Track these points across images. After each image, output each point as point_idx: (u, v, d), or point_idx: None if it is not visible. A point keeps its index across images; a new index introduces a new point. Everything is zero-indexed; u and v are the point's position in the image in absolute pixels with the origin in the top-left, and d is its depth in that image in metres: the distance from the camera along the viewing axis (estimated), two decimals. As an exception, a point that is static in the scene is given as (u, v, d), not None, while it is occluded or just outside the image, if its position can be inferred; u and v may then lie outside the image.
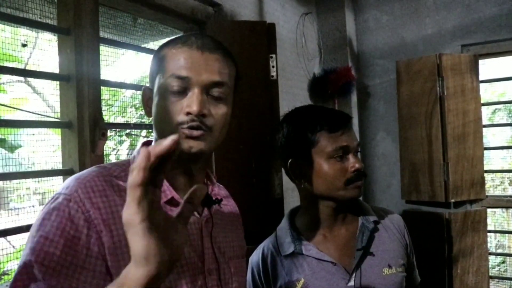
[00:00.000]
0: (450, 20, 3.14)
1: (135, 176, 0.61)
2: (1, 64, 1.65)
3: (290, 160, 1.35)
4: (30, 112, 2.10)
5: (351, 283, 1.29)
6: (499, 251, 5.22)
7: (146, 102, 0.96)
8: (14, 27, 1.64)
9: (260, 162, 2.22)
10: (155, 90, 0.92)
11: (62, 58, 1.66)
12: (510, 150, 6.28)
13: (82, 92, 1.63)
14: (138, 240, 0.61)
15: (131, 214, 0.62)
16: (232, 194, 1.18)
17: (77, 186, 0.83)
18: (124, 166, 0.93)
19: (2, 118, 1.74)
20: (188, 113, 0.87)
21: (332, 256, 1.33)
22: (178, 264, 0.87)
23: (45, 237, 0.78)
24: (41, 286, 0.75)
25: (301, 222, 1.42)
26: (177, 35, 1.00)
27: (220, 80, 0.91)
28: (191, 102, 0.87)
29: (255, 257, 1.44)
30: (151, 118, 0.97)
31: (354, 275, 1.30)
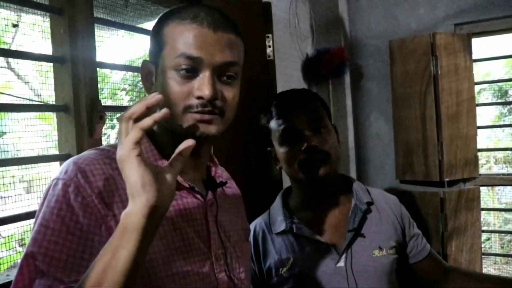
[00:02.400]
0: (443, -2, 3.11)
1: (136, 113, 0.69)
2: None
3: (268, 149, 1.44)
4: (16, 97, 2.04)
5: (341, 263, 1.30)
6: (485, 228, 5.32)
7: (146, 77, 0.92)
8: (3, 7, 1.56)
9: (258, 144, 2.19)
10: (159, 66, 0.87)
11: (55, 39, 1.60)
12: (495, 129, 6.36)
13: (77, 74, 1.57)
14: (134, 170, 0.68)
15: (127, 150, 0.68)
16: (232, 176, 1.17)
17: (76, 170, 0.80)
18: None
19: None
20: (199, 97, 0.83)
21: (323, 236, 1.34)
22: (183, 249, 0.86)
23: (45, 226, 0.76)
24: (47, 282, 0.73)
25: (293, 202, 1.45)
26: (180, 6, 0.92)
27: (233, 61, 0.88)
28: (202, 86, 0.83)
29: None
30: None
31: (344, 256, 1.31)
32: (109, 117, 3.50)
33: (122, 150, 0.70)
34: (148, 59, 0.93)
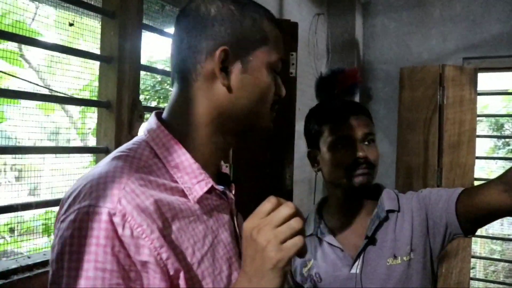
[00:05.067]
0: (454, 32, 3.29)
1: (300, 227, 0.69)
2: (42, 39, 1.70)
3: (308, 150, 1.47)
4: (28, 82, 2.10)
5: (354, 270, 1.34)
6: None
7: (223, 62, 0.79)
8: (60, 6, 1.69)
9: (274, 154, 2.32)
10: (251, 60, 0.81)
11: (104, 39, 1.72)
12: (488, 160, 6.56)
13: (123, 74, 1.69)
14: (277, 281, 0.69)
15: (284, 262, 0.68)
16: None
17: (118, 195, 0.68)
18: (146, 151, 0.79)
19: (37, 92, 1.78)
20: (279, 96, 0.87)
21: (342, 242, 1.38)
22: (228, 266, 0.83)
23: (102, 269, 0.65)
24: None
25: (326, 208, 1.50)
26: (261, 6, 0.89)
27: None
28: (281, 87, 0.87)
29: None
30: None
31: (357, 263, 1.34)
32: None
33: (279, 253, 0.68)
34: (224, 44, 0.80)
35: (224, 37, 0.80)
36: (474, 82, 3.20)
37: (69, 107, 2.87)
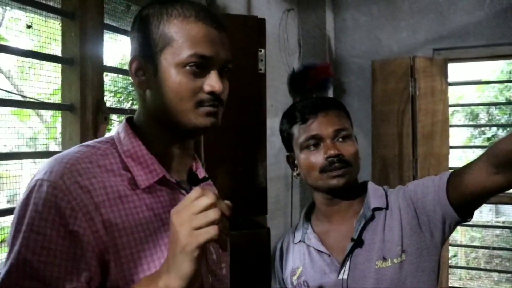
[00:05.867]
0: (423, 25, 3.32)
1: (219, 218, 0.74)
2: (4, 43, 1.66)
3: (286, 154, 1.42)
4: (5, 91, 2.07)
5: (341, 276, 1.26)
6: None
7: (136, 73, 0.90)
8: (18, 8, 1.65)
9: (246, 152, 2.31)
10: (161, 64, 0.87)
11: (65, 41, 1.69)
12: (466, 150, 6.65)
13: (85, 76, 1.67)
14: (193, 261, 0.73)
15: (198, 242, 0.73)
16: (219, 181, 1.21)
17: (62, 171, 0.79)
18: (108, 144, 0.91)
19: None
20: (211, 92, 0.87)
21: (330, 247, 1.31)
22: (166, 239, 0.89)
23: (37, 232, 0.75)
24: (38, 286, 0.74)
25: (313, 213, 1.44)
26: (166, 1, 0.91)
27: (231, 58, 0.92)
28: (214, 82, 0.87)
29: (279, 243, 1.50)
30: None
31: (345, 267, 1.26)
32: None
33: (188, 238, 0.73)
34: (135, 55, 0.91)
35: (136, 48, 0.91)
36: (444, 73, 3.24)
37: (43, 113, 2.82)
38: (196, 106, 0.87)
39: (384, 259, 1.24)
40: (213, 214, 0.74)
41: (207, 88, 0.87)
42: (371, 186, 1.37)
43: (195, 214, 0.74)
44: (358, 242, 1.27)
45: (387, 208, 1.30)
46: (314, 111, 1.31)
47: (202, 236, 0.73)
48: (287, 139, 1.39)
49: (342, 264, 1.27)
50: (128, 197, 0.84)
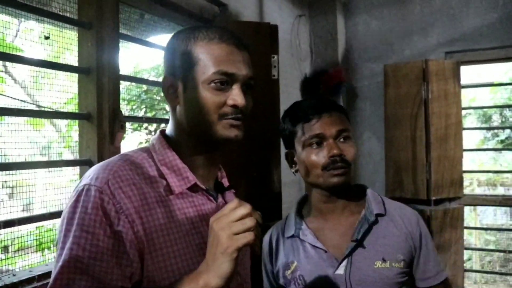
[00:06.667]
0: (435, 28, 3.31)
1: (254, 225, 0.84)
2: (20, 54, 1.69)
3: (285, 151, 1.45)
4: (14, 99, 2.08)
5: (340, 271, 1.33)
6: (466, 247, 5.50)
7: (168, 91, 1.00)
8: (35, 19, 1.68)
9: (260, 157, 2.32)
10: (190, 81, 0.96)
11: (82, 51, 1.72)
12: (479, 153, 6.60)
13: (102, 85, 1.69)
14: (231, 262, 0.83)
15: (236, 246, 0.82)
16: (234, 187, 1.24)
17: (106, 177, 0.88)
18: (145, 153, 0.99)
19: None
20: (233, 106, 0.94)
21: (326, 244, 1.37)
22: (203, 246, 0.95)
23: (86, 231, 0.84)
24: (87, 283, 0.82)
25: (306, 208, 1.48)
26: (194, 26, 1.06)
27: (253, 75, 0.99)
28: (236, 96, 0.95)
29: (266, 236, 1.52)
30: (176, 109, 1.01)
31: (343, 264, 1.33)
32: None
33: (229, 241, 0.83)
34: (167, 75, 1.01)
35: (168, 68, 1.02)
36: (457, 76, 3.22)
37: (58, 122, 2.86)
38: (220, 118, 0.95)
39: (384, 260, 1.33)
40: (250, 222, 0.83)
41: (230, 102, 0.95)
42: (370, 191, 1.45)
43: (234, 222, 0.83)
44: (359, 243, 1.34)
45: (385, 214, 1.39)
46: (318, 111, 1.36)
47: (241, 240, 0.82)
48: (288, 137, 1.43)
49: (342, 261, 1.33)
50: (163, 202, 0.93)
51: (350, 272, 1.32)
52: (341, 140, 1.35)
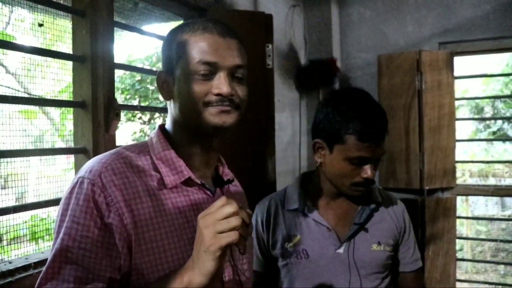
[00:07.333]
0: (429, 18, 3.32)
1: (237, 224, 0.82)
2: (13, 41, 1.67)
3: (316, 140, 1.45)
4: (8, 88, 2.07)
5: (340, 250, 1.45)
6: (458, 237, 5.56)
7: (162, 86, 1.02)
8: (28, 7, 1.66)
9: (255, 147, 2.33)
10: (177, 74, 0.97)
11: (76, 39, 1.70)
12: (471, 143, 6.65)
13: (96, 73, 1.68)
14: (216, 260, 0.82)
15: (220, 244, 0.81)
16: (235, 179, 1.24)
17: (100, 170, 0.91)
18: (142, 147, 1.01)
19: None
20: (218, 94, 0.94)
21: (329, 223, 1.48)
22: (189, 234, 0.98)
23: (77, 223, 0.86)
24: (77, 272, 0.84)
25: (311, 186, 1.55)
26: (186, 22, 1.05)
27: (241, 63, 0.98)
28: (219, 84, 0.94)
29: (261, 205, 1.57)
30: (165, 102, 1.04)
31: (345, 244, 1.45)
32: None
33: (212, 239, 0.82)
34: (162, 69, 1.03)
35: (162, 64, 1.03)
36: (450, 66, 3.23)
37: (51, 111, 2.84)
38: (205, 106, 0.95)
39: (379, 243, 1.49)
40: (235, 221, 0.82)
41: (214, 90, 0.94)
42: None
43: (219, 220, 0.82)
44: (362, 227, 1.48)
45: (382, 202, 1.53)
46: (375, 136, 1.37)
47: (224, 239, 0.81)
48: (331, 136, 1.41)
49: (344, 242, 1.46)
50: (156, 195, 0.94)
51: (353, 252, 1.46)
52: (376, 165, 1.43)
